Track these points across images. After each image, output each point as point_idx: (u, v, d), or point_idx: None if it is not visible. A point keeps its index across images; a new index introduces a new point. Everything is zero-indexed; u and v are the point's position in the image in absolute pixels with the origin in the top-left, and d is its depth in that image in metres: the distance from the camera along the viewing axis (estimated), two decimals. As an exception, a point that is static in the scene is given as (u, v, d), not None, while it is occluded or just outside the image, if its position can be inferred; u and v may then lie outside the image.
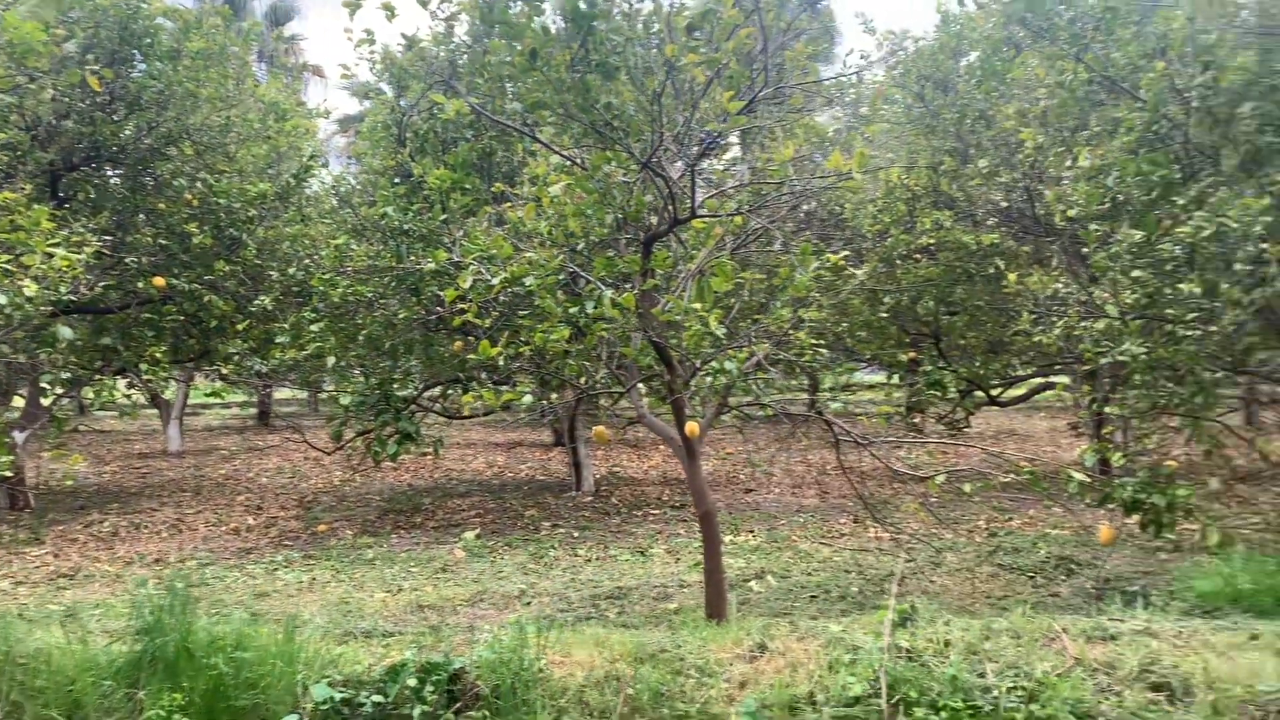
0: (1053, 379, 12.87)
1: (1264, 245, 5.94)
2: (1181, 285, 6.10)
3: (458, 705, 4.52)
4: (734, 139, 12.34)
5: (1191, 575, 5.71)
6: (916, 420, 14.38)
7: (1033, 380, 13.33)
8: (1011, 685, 4.24)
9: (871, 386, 14.73)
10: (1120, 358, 6.28)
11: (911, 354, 12.11)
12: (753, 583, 7.51)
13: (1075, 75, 7.32)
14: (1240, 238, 6.05)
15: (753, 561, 8.33)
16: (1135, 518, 6.45)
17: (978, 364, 12.04)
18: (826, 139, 11.16)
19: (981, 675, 4.33)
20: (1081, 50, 7.08)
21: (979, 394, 12.40)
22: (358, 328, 9.72)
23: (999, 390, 13.09)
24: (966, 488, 6.58)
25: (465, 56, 9.92)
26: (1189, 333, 6.14)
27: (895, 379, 13.34)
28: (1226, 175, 6.58)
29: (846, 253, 7.43)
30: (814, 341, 6.14)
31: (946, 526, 9.44)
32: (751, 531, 9.69)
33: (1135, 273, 6.54)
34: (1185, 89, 6.65)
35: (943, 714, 4.12)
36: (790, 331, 6.14)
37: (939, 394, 11.49)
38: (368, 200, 10.56)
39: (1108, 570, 7.43)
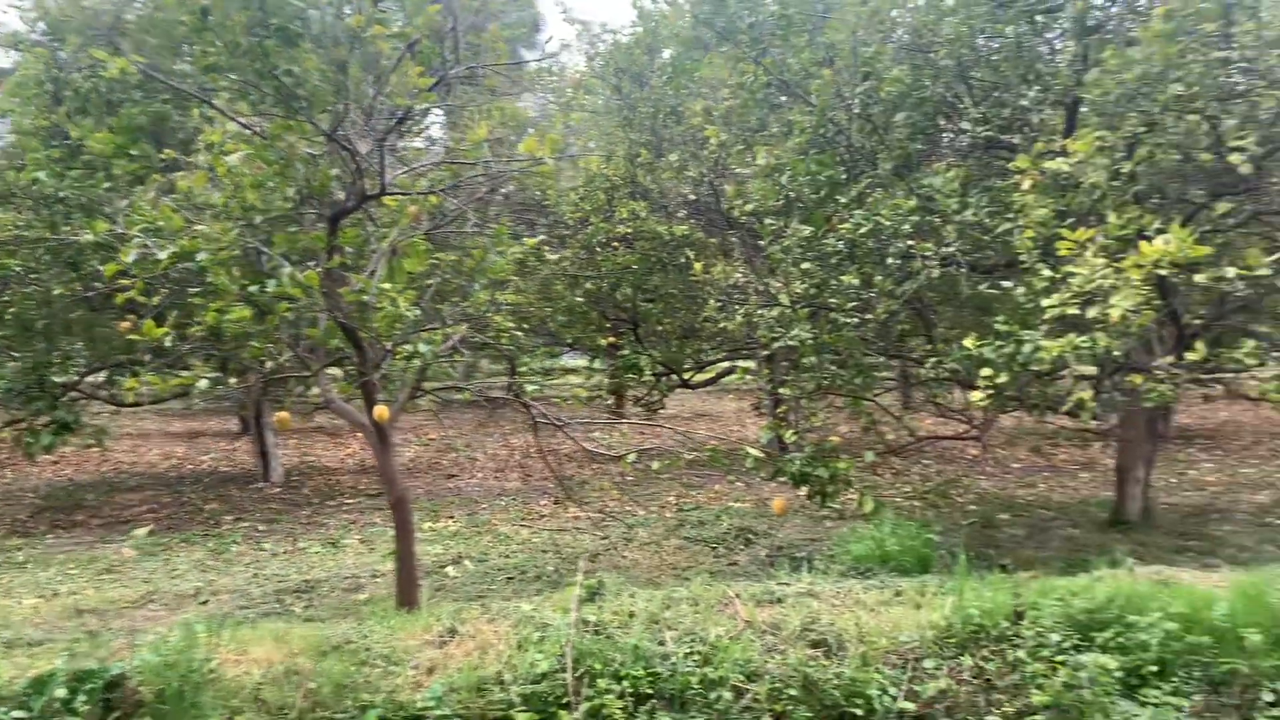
0: (738, 363, 13.73)
1: (911, 243, 6.62)
2: (843, 277, 6.68)
3: (116, 714, 4.14)
4: (436, 117, 12.12)
5: (848, 540, 6.28)
6: (611, 402, 14.86)
7: (720, 364, 14.14)
8: (689, 651, 4.48)
9: (572, 370, 15.04)
10: (790, 342, 6.79)
11: (611, 339, 12.47)
12: (449, 568, 7.45)
13: (756, 78, 7.80)
14: (892, 235, 6.72)
15: (451, 547, 8.27)
16: (804, 489, 7.02)
17: (673, 349, 12.63)
18: (526, 124, 11.24)
19: (662, 643, 4.54)
20: (760, 54, 7.56)
21: (672, 377, 13.00)
22: (4, 305, 8.63)
23: (690, 373, 13.78)
24: (654, 465, 6.87)
25: (135, 11, 9.05)
26: (849, 320, 6.74)
27: (596, 363, 13.74)
28: (883, 178, 7.27)
29: (543, 237, 7.52)
30: (511, 325, 6.16)
31: (640, 504, 9.83)
32: (452, 517, 9.61)
33: (804, 265, 7.08)
34: (849, 96, 7.27)
35: (625, 683, 4.28)
36: (488, 314, 6.12)
37: (636, 377, 11.93)
38: (17, 164, 9.38)
39: (781, 538, 8.06)
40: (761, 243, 7.14)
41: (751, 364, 13.21)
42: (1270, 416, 15.20)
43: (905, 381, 11.04)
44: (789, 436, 7.57)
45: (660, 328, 12.81)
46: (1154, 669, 4.52)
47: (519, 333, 6.40)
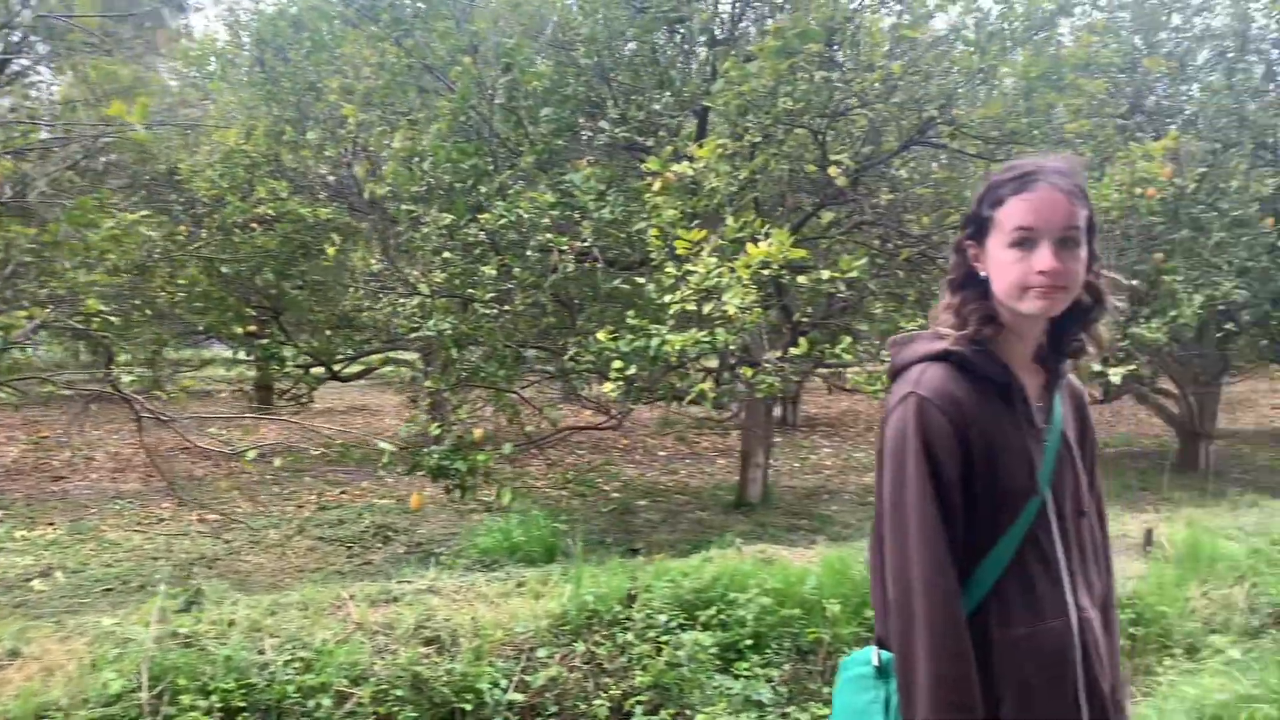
0: (396, 355, 13.33)
1: (549, 237, 6.68)
2: (483, 268, 6.62)
3: None
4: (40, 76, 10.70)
5: (477, 533, 6.23)
6: (257, 396, 13.95)
7: (373, 357, 13.64)
8: (290, 658, 4.20)
9: (210, 361, 13.93)
10: (429, 333, 6.64)
11: (251, 327, 11.64)
12: (36, 581, 6.59)
13: (398, 60, 7.56)
14: (532, 228, 6.76)
15: (44, 557, 7.32)
16: (443, 483, 6.90)
17: (327, 339, 12.01)
18: (158, 91, 10.24)
19: (261, 652, 4.23)
20: (403, 35, 7.32)
21: (321, 369, 12.37)
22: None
23: (341, 365, 13.20)
24: (276, 462, 6.46)
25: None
26: (488, 311, 6.70)
27: (243, 353, 12.79)
28: (525, 171, 7.29)
29: (146, 212, 6.83)
30: (104, 308, 5.51)
31: (276, 503, 9.26)
32: (52, 523, 8.52)
33: (445, 254, 6.96)
34: (492, 87, 7.23)
35: (213, 697, 3.93)
36: (81, 296, 5.45)
37: (278, 368, 11.23)
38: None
39: (423, 534, 7.88)
40: (400, 229, 6.91)
41: (408, 356, 12.91)
42: (883, 406, 17.07)
43: (558, 375, 11.23)
44: (433, 430, 7.41)
45: (312, 317, 12.15)
46: (750, 643, 4.84)
47: (114, 318, 5.75)
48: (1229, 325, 9.46)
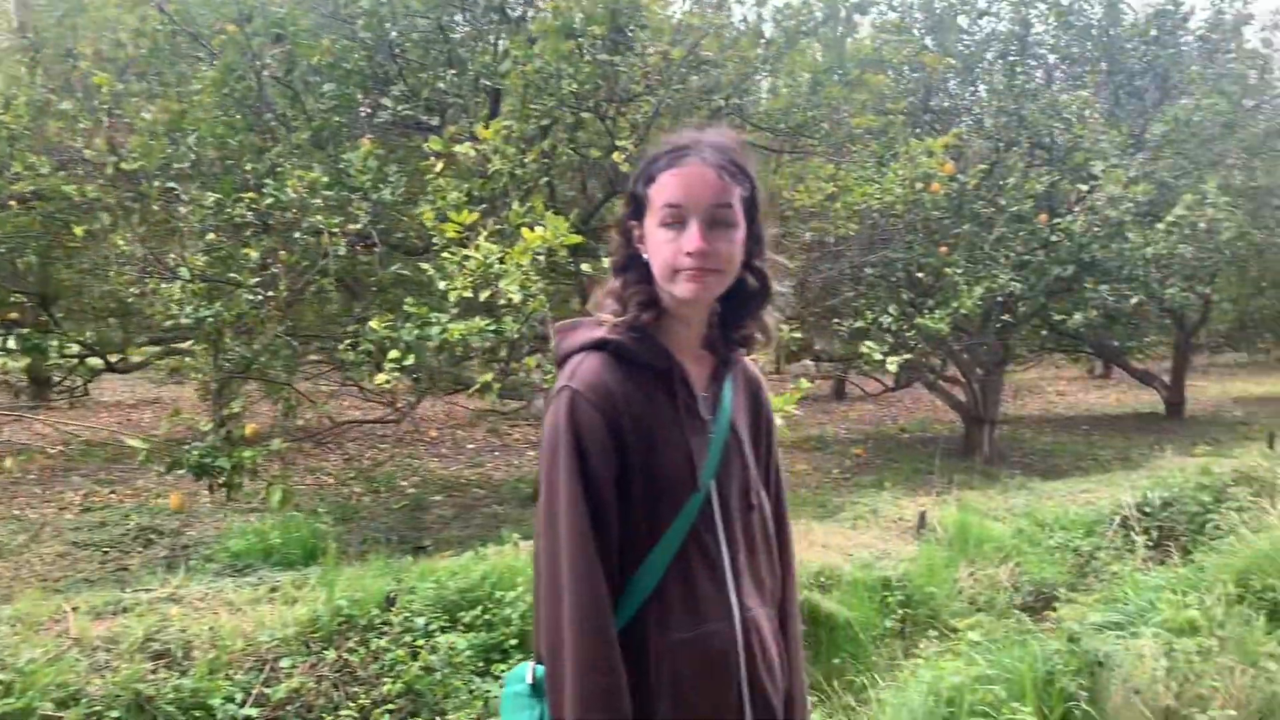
0: (182, 345, 12.48)
1: (320, 217, 6.30)
2: (245, 250, 6.18)
3: None
4: None
5: (229, 536, 5.83)
6: (30, 389, 12.84)
7: (149, 348, 12.71)
8: (-15, 683, 3.76)
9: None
10: (187, 321, 6.16)
11: (11, 315, 10.64)
12: None
13: (162, 26, 6.99)
14: (302, 209, 6.36)
15: None
16: (208, 482, 6.42)
17: (107, 327, 11.13)
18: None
19: (-50, 678, 3.76)
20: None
21: (98, 361, 11.47)
22: None
23: (124, 356, 12.26)
24: (7, 463, 5.85)
25: None
26: (252, 296, 6.27)
27: (12, 343, 11.69)
28: (300, 148, 6.87)
29: None
30: None
31: (35, 505, 8.46)
32: None
33: (209, 236, 6.48)
34: (264, 58, 6.77)
35: (-119, 735, 3.47)
36: None
37: (44, 360, 10.31)
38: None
39: (191, 537, 7.35)
40: (155, 207, 6.39)
41: (195, 345, 12.11)
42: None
43: (339, 366, 10.75)
44: (204, 425, 6.91)
45: (86, 304, 11.22)
46: (515, 643, 4.67)
47: None
48: (1005, 317, 9.93)
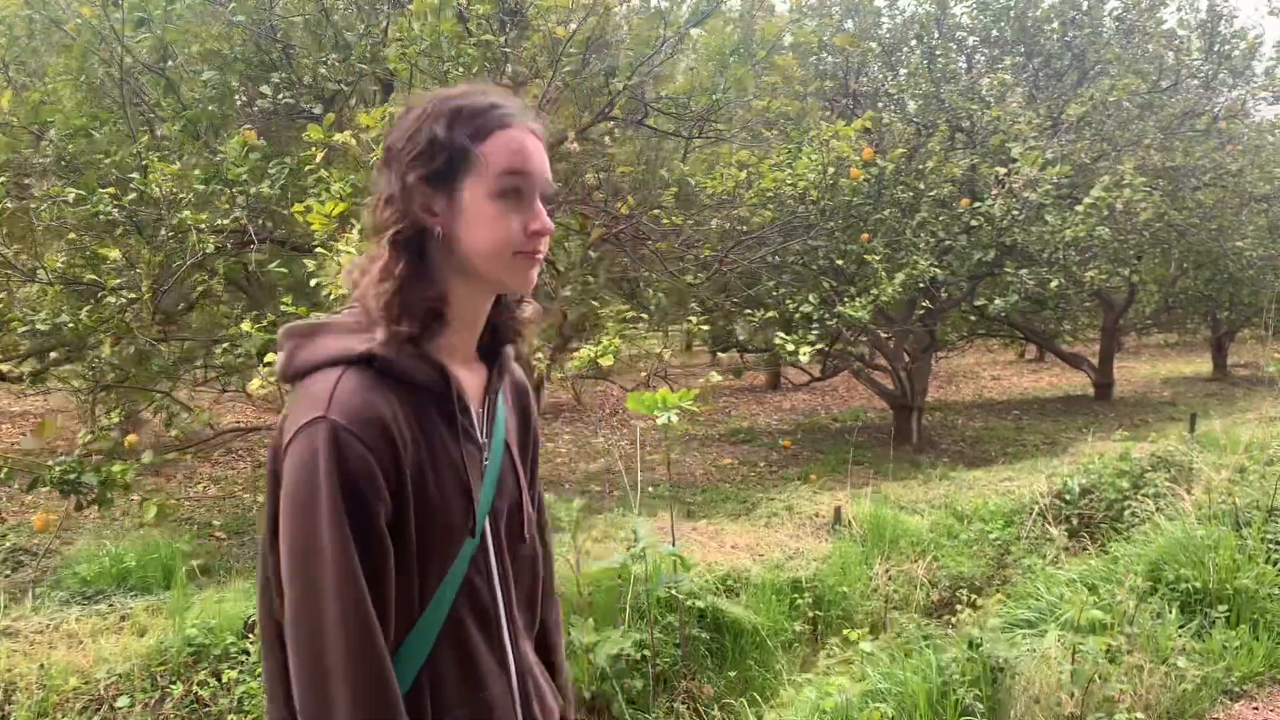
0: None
1: (188, 214, 5.88)
2: (102, 250, 5.75)
3: None
4: None
5: (78, 560, 5.42)
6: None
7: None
8: None
9: None
10: (43, 326, 5.71)
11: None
12: None
13: (20, 12, 6.51)
14: (171, 204, 5.94)
15: None
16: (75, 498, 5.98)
17: None
18: None
19: None
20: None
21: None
22: None
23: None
24: None
25: None
26: (115, 300, 5.83)
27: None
28: (166, 139, 6.44)
29: None
30: None
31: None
32: None
33: (70, 235, 6.03)
34: (120, 41, 6.31)
35: None
36: None
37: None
38: None
39: (66, 557, 6.89)
40: (9, 204, 5.92)
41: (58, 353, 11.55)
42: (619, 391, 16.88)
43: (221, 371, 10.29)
44: (82, 437, 6.45)
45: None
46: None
47: None
48: (925, 304, 9.77)
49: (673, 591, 4.84)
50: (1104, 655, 4.13)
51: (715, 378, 6.48)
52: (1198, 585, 5.10)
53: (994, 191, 8.94)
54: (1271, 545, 5.89)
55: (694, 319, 7.13)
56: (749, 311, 8.29)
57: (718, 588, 5.61)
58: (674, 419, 4.92)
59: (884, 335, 11.09)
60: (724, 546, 6.23)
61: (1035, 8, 10.92)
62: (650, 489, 9.81)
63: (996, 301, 9.73)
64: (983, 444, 12.50)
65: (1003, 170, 9.08)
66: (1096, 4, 10.70)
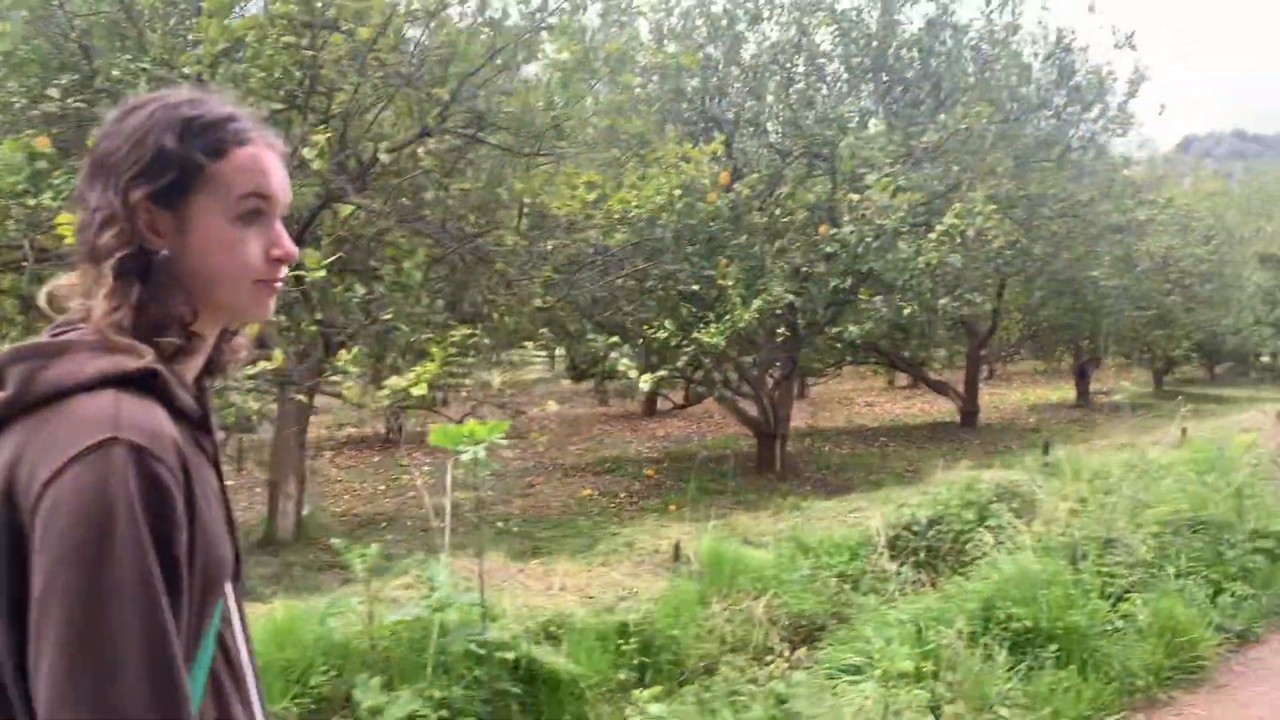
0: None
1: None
2: None
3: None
4: None
5: None
6: None
7: None
8: None
9: None
10: None
11: None
12: None
13: None
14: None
15: None
16: None
17: None
18: None
19: None
20: None
21: None
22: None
23: None
24: None
25: None
26: None
27: None
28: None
29: None
30: None
31: None
32: None
33: None
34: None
35: None
36: None
37: None
38: None
39: None
40: None
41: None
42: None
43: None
44: None
45: None
46: None
47: None
48: (781, 330, 9.62)
49: (472, 645, 4.43)
50: (925, 705, 3.89)
51: (553, 405, 6.15)
52: (1029, 624, 4.93)
53: (845, 218, 8.84)
54: (1107, 578, 5.82)
55: (531, 344, 6.75)
56: (591, 336, 7.96)
57: (538, 635, 5.21)
58: (482, 454, 4.55)
59: (749, 361, 10.93)
60: (552, 589, 5.83)
61: (895, 36, 10.98)
62: (499, 524, 9.39)
63: (852, 329, 9.64)
64: (847, 471, 12.42)
65: (856, 197, 9.00)
66: (955, 33, 10.81)
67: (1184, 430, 12.09)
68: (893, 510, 7.61)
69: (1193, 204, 17.74)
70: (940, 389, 16.59)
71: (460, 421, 6.00)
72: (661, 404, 18.11)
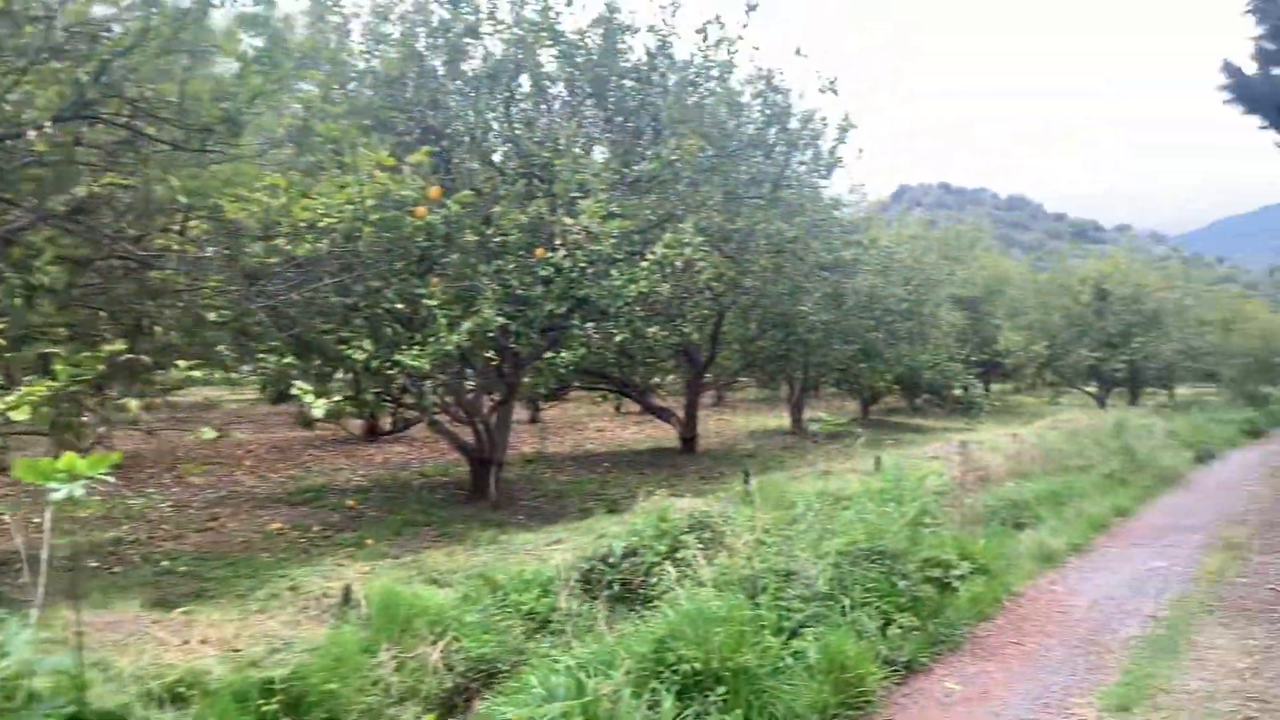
0: None
1: None
2: None
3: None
4: None
5: None
6: None
7: None
8: None
9: None
10: None
11: None
12: None
13: None
14: None
15: None
16: None
17: None
18: None
19: None
20: None
21: None
22: None
23: None
24: None
25: None
26: None
27: None
28: None
29: None
30: None
31: None
32: None
33: None
34: None
35: None
36: None
37: None
38: None
39: None
40: None
41: None
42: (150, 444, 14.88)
43: None
44: None
45: None
46: None
47: None
48: (489, 355, 9.26)
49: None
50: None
51: (209, 433, 5.45)
52: (700, 665, 4.78)
53: (557, 242, 8.62)
54: (784, 612, 5.83)
55: (192, 363, 6.00)
56: (262, 355, 7.25)
57: (161, 699, 4.51)
58: (79, 491, 3.87)
59: (465, 385, 10.48)
60: (190, 642, 5.12)
61: (616, 63, 10.93)
62: (166, 563, 8.40)
63: (564, 354, 9.41)
64: (565, 498, 12.20)
65: (571, 220, 8.81)
66: (672, 66, 10.90)
67: (878, 459, 12.80)
68: (593, 541, 7.40)
69: (894, 246, 19.03)
70: (664, 415, 16.81)
71: (87, 452, 5.19)
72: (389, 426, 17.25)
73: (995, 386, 40.06)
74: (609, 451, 17.76)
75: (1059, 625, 6.73)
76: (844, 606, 5.98)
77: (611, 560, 7.00)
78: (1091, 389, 28.84)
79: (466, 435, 11.43)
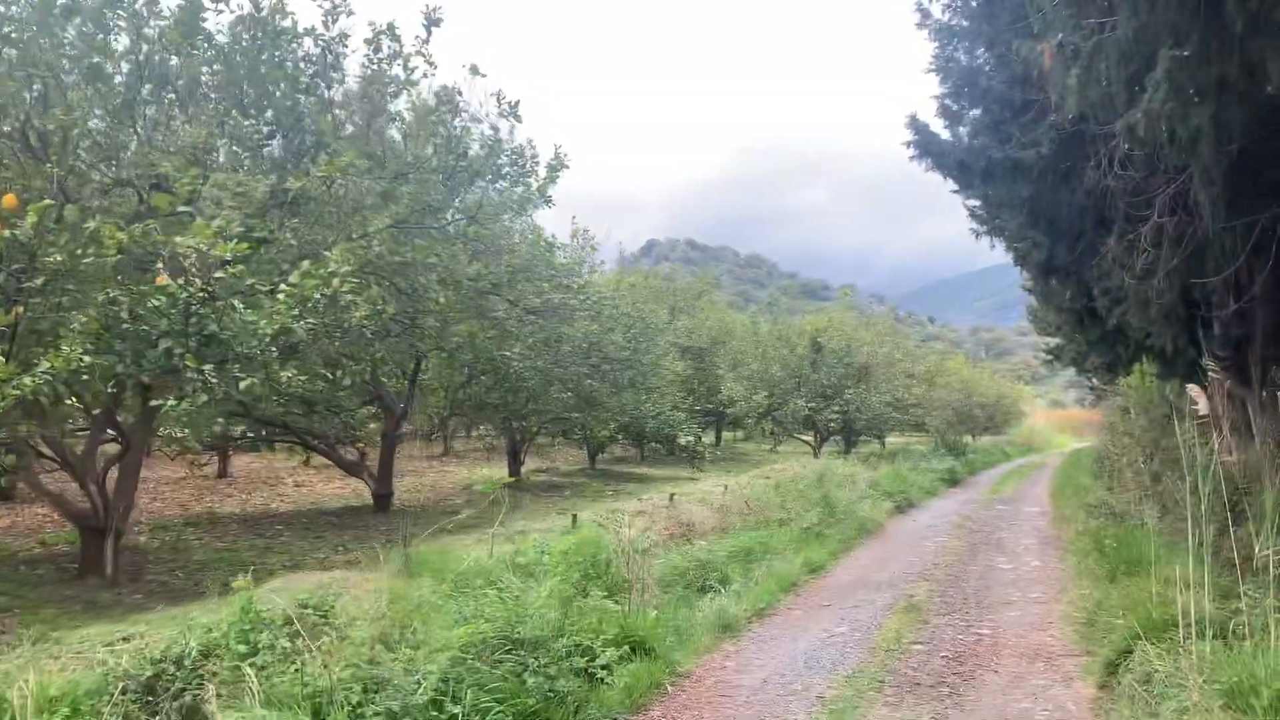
0: None
1: None
2: None
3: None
4: None
5: None
6: None
7: None
8: None
9: None
10: None
11: None
12: None
13: None
14: None
15: None
16: None
17: None
18: None
19: None
20: None
21: None
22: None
23: None
24: None
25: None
26: None
27: None
28: None
29: None
30: None
31: None
32: None
33: None
34: None
35: None
36: None
37: None
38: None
39: None
40: None
41: None
42: None
43: None
44: None
45: None
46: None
47: None
48: (72, 401, 7.56)
49: None
50: None
51: None
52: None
53: (158, 266, 7.13)
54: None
55: None
56: None
57: None
58: None
59: (68, 438, 8.62)
60: None
61: (275, 65, 9.51)
62: None
63: (183, 404, 7.85)
64: (210, 570, 10.40)
65: (180, 240, 7.33)
66: (337, 78, 9.64)
67: (574, 518, 11.90)
68: (174, 635, 5.91)
69: (609, 292, 18.48)
70: (354, 470, 15.21)
71: None
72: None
73: (727, 434, 40.85)
74: (296, 511, 15.89)
75: (718, 714, 5.90)
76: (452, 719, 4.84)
77: (188, 662, 5.55)
78: (808, 438, 29.64)
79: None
